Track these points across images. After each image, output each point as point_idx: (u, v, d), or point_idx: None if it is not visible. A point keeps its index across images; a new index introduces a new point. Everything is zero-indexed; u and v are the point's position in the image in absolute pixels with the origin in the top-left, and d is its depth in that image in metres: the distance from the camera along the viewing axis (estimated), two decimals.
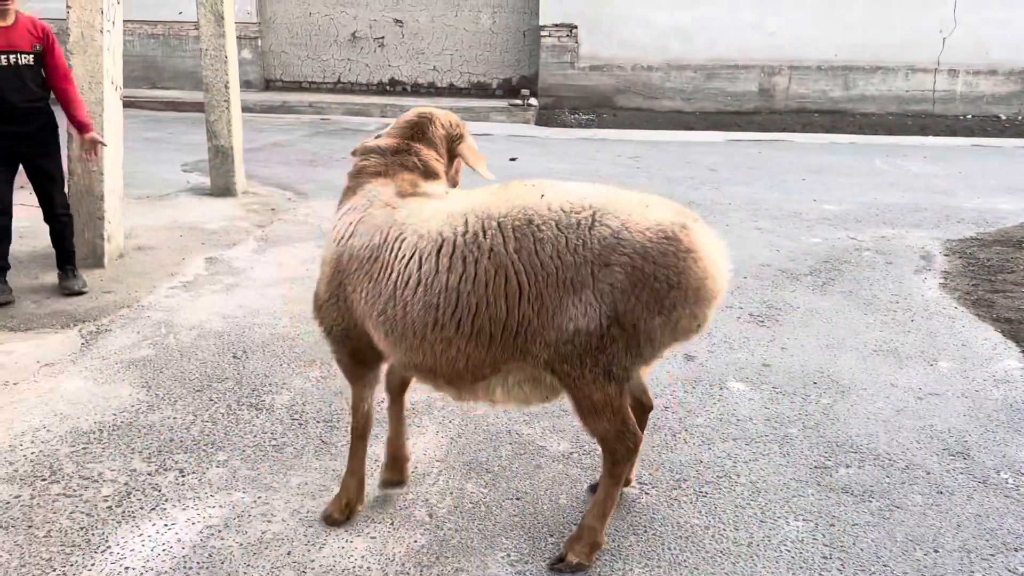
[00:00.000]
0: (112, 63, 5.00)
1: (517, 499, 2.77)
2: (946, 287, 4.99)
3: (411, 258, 2.31)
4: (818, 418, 3.35)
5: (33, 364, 3.68)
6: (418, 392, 3.30)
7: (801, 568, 2.44)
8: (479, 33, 14.96)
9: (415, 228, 2.35)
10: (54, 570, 2.36)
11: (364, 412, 2.63)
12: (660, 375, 3.72)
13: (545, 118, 13.60)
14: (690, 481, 2.89)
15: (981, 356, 3.97)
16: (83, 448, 3.00)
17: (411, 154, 2.62)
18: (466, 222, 2.29)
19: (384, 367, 2.67)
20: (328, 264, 2.54)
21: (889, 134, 12.12)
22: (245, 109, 12.87)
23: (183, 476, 2.86)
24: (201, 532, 2.55)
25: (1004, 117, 12.99)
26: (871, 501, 2.78)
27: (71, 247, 4.68)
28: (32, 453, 2.96)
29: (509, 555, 2.47)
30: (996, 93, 13.14)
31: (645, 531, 2.60)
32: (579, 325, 2.18)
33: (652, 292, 2.15)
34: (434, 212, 2.38)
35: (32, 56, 4.35)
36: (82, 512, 2.63)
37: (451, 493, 2.79)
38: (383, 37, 15.13)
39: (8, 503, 2.66)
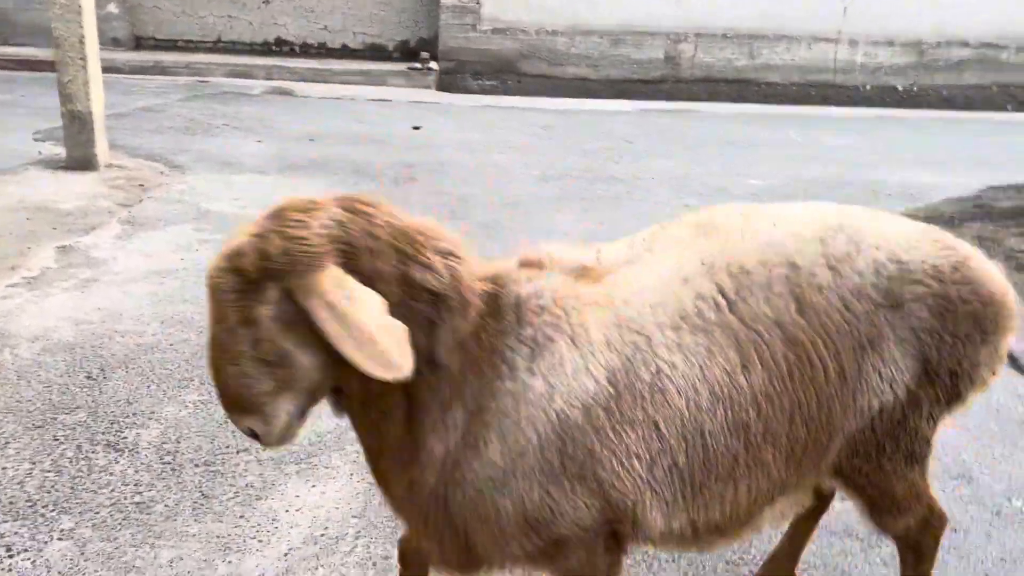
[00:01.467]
0: None
1: None
2: None
3: (686, 362, 1.56)
4: None
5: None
6: None
7: None
8: None
9: (654, 315, 1.57)
10: None
11: None
12: None
13: (447, 84, 12.85)
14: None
15: None
16: None
17: (450, 279, 1.54)
18: (716, 282, 1.59)
19: None
20: (538, 447, 1.52)
21: (794, 103, 12.06)
22: (113, 70, 11.58)
23: (11, 557, 2.14)
24: None
25: (901, 88, 13.14)
26: (860, 540, 2.35)
27: None
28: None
29: None
30: (894, 64, 13.26)
31: None
32: (884, 400, 1.63)
33: (968, 317, 1.65)
34: (653, 281, 1.62)
35: None
36: None
37: None
38: None
39: None
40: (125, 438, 2.69)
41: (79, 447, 2.63)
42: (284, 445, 1.53)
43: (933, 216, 5.78)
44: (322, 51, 14.18)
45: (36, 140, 6.90)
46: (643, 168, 7.19)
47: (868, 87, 13.15)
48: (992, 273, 1.72)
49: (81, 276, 4.06)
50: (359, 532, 2.31)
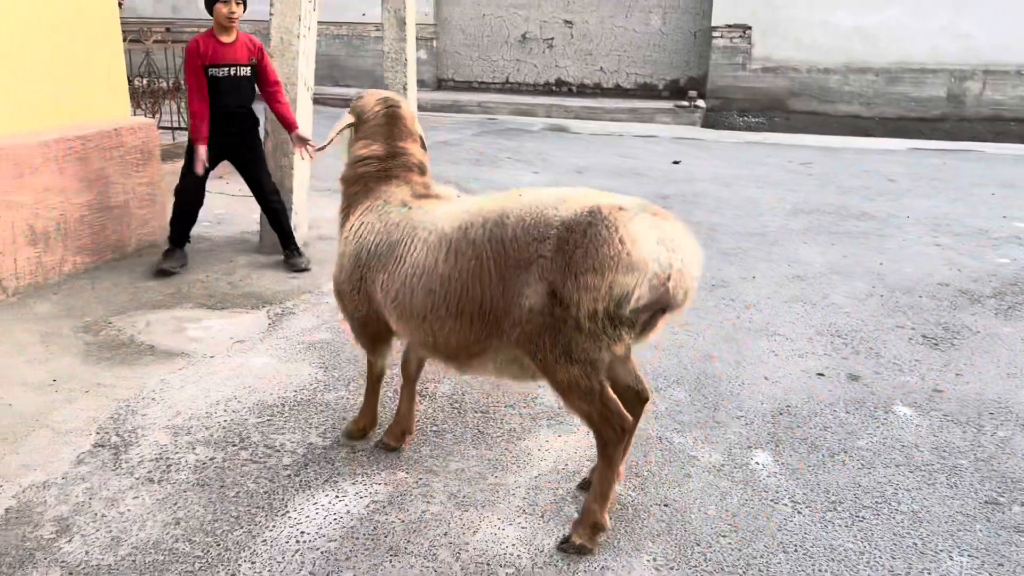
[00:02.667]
0: (305, 66, 5.42)
1: (665, 506, 2.80)
2: None
3: (420, 251, 2.63)
4: (992, 451, 3.16)
5: (227, 340, 4.08)
6: None
7: None
8: (648, 34, 14.87)
9: (426, 226, 2.66)
10: (241, 527, 2.63)
11: (380, 369, 3.11)
12: (821, 393, 3.63)
13: (712, 120, 13.34)
14: (847, 504, 2.81)
15: None
16: (268, 420, 3.31)
17: (405, 155, 2.95)
18: (463, 221, 2.55)
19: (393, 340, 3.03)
20: (348, 259, 2.88)
21: None
22: (418, 108, 13.50)
23: (354, 453, 3.09)
24: (368, 506, 2.76)
25: None
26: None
27: (288, 228, 5.21)
28: (225, 421, 3.29)
29: (655, 559, 2.52)
30: None
31: (796, 550, 2.57)
32: (532, 302, 2.37)
33: (567, 257, 2.30)
34: (444, 213, 2.67)
35: (248, 68, 4.93)
36: (265, 478, 2.91)
37: None
38: (552, 38, 15.33)
39: (205, 463, 2.99)
40: (427, 388, 3.61)
41: (395, 391, 3.58)
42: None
43: None
44: (597, 91, 15.28)
45: None
46: (900, 207, 7.23)
47: None
48: (616, 242, 2.25)
49: None
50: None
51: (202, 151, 4.82)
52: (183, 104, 7.82)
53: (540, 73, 15.57)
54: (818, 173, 8.84)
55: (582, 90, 15.41)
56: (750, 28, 13.44)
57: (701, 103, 13.65)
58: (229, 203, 6.45)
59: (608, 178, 8.35)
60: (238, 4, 4.81)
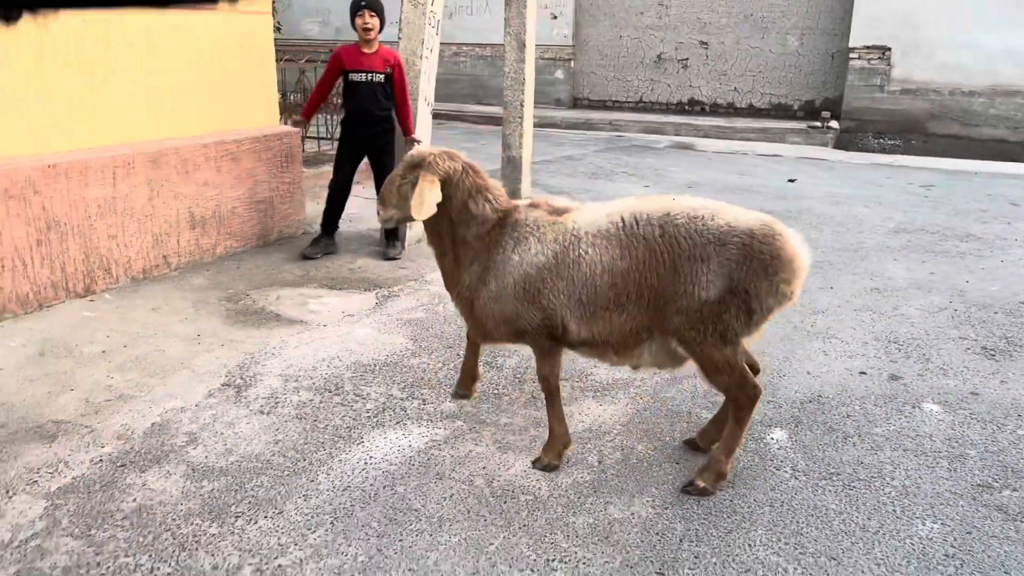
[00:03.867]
0: (426, 83, 6.14)
1: (676, 463, 3.22)
2: None
3: (592, 252, 2.94)
4: (1004, 446, 3.35)
5: (339, 314, 4.80)
6: (618, 372, 3.87)
7: (917, 559, 2.62)
8: (785, 55, 14.87)
9: (586, 230, 2.97)
10: (324, 450, 3.27)
11: (556, 377, 3.18)
12: (856, 388, 3.89)
13: (845, 142, 13.20)
14: (843, 476, 3.12)
15: None
16: (360, 375, 3.96)
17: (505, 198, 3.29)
18: (623, 219, 2.93)
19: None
20: (511, 288, 3.04)
21: None
22: (551, 125, 14.18)
23: (424, 404, 3.69)
24: (427, 443, 3.34)
25: None
26: (1022, 522, 2.82)
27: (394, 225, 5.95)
28: (325, 373, 3.98)
29: (653, 500, 2.95)
30: None
31: (781, 506, 2.92)
32: (708, 294, 2.79)
33: (759, 262, 2.76)
34: (594, 218, 2.99)
35: (384, 76, 5.75)
36: (350, 417, 3.55)
37: (622, 449, 3.32)
38: (687, 59, 15.62)
39: (304, 403, 3.67)
40: (497, 361, 4.16)
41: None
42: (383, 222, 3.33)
43: None
44: (729, 110, 15.42)
45: None
46: (1012, 230, 7.12)
47: None
48: (788, 248, 2.80)
49: None
50: (619, 432, 3.45)
51: (297, 120, 6.13)
52: (326, 117, 8.84)
53: (673, 92, 15.87)
54: (936, 196, 8.74)
55: (715, 109, 15.59)
56: (889, 49, 13.23)
57: (834, 124, 13.53)
58: (361, 204, 7.28)
59: (717, 193, 8.64)
60: (372, 17, 5.66)
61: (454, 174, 3.10)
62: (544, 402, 3.24)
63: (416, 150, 3.24)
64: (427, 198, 3.01)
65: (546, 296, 3.00)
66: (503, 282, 3.05)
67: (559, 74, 16.31)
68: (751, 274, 2.76)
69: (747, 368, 2.96)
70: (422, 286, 5.34)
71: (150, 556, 2.57)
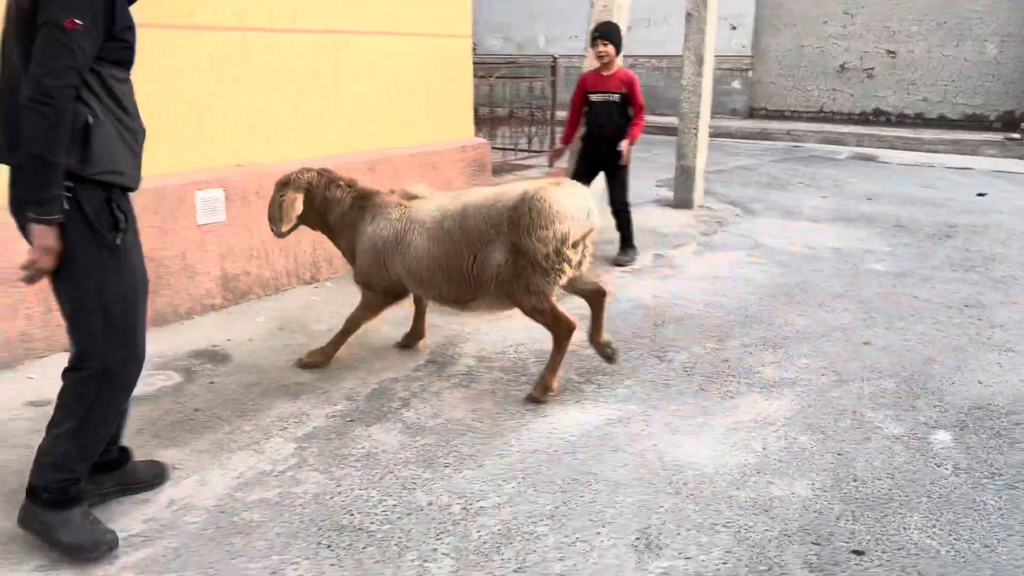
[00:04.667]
0: None
1: (838, 454, 3.45)
2: None
3: (421, 237, 3.93)
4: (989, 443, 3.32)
5: None
6: (785, 371, 4.12)
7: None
8: (981, 63, 14.14)
9: (420, 219, 3.96)
10: (515, 420, 3.75)
11: (368, 320, 4.31)
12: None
13: None
14: (1006, 477, 3.24)
15: None
16: (543, 360, 4.42)
17: (360, 187, 4.27)
18: (440, 214, 3.93)
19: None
20: (370, 251, 4.07)
21: None
22: (727, 135, 14.24)
23: (600, 389, 4.11)
24: (603, 421, 3.75)
25: None
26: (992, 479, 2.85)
27: (628, 232, 6.45)
28: (513, 356, 4.48)
29: (813, 484, 3.21)
30: None
31: (939, 499, 3.10)
32: (500, 260, 3.75)
33: (524, 224, 3.66)
34: (427, 210, 3.98)
35: (619, 96, 6.24)
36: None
37: (785, 439, 3.58)
38: (872, 68, 15.16)
39: (496, 380, 4.18)
40: (667, 355, 4.52)
41: (641, 355, 4.52)
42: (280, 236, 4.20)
43: None
44: (917, 121, 14.81)
45: (657, 186, 9.51)
46: None
47: None
48: (544, 198, 3.66)
49: (663, 272, 6.14)
50: (783, 425, 3.71)
51: (559, 149, 6.64)
52: (514, 130, 9.47)
53: (856, 102, 15.44)
54: None
55: (901, 120, 15.03)
56: None
57: None
58: None
59: (898, 206, 8.50)
60: (605, 45, 6.18)
61: (312, 179, 4.15)
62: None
63: (291, 173, 4.21)
64: (288, 210, 4.06)
65: (387, 264, 4.05)
66: (363, 248, 4.11)
67: (736, 84, 16.28)
68: (520, 234, 3.66)
69: (559, 309, 3.85)
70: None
71: (378, 491, 3.14)
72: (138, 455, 3.21)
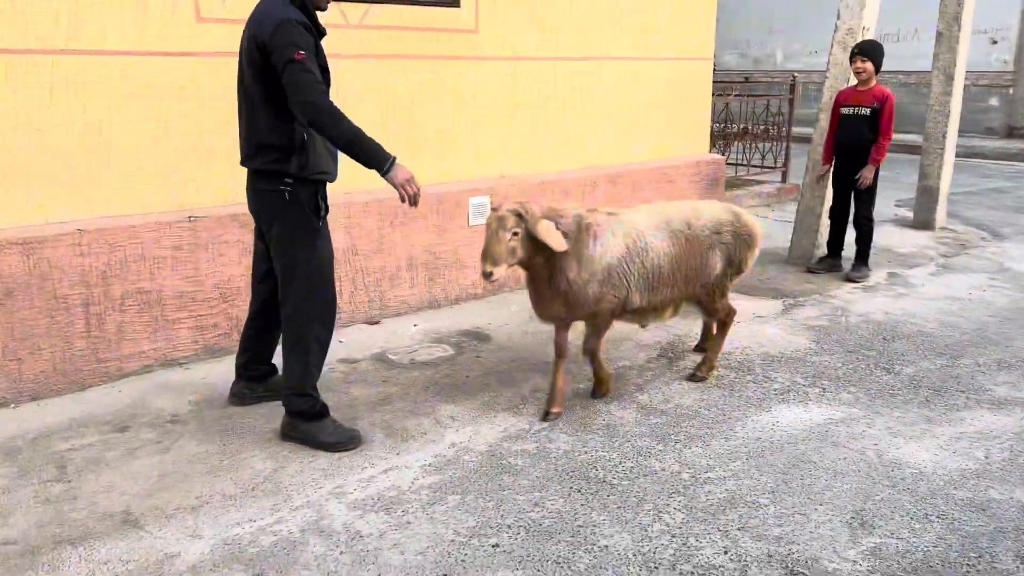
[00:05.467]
0: None
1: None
2: None
3: (658, 244, 4.10)
4: None
5: (750, 314, 5.65)
6: (1017, 391, 4.17)
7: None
8: None
9: (644, 227, 4.09)
10: (740, 411, 4.15)
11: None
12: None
13: None
14: None
15: None
16: (768, 363, 4.78)
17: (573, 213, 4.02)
18: (660, 220, 4.19)
19: None
20: (599, 274, 3.89)
21: None
22: (978, 155, 13.46)
23: (824, 392, 4.39)
24: (825, 419, 4.04)
25: None
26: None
27: (865, 248, 6.57)
28: (740, 358, 4.85)
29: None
30: None
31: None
32: (716, 271, 4.32)
33: (743, 240, 4.35)
34: (642, 221, 4.13)
35: (869, 111, 6.37)
36: (760, 392, 4.39)
37: (1010, 451, 3.69)
38: None
39: (720, 377, 4.59)
40: (894, 368, 4.68)
41: (868, 366, 4.72)
42: (493, 281, 3.73)
43: None
44: None
45: (896, 205, 9.32)
46: None
47: None
48: (754, 222, 4.45)
49: (898, 291, 6.19)
50: (1010, 438, 3.81)
51: (820, 168, 6.76)
52: (750, 145, 9.71)
53: None
54: None
55: None
56: None
57: None
58: (771, 226, 8.03)
59: None
60: (863, 61, 6.33)
61: (535, 211, 3.76)
62: None
63: (500, 211, 3.73)
64: (555, 233, 3.67)
65: (622, 278, 4.00)
66: (592, 271, 3.88)
67: (993, 102, 15.24)
68: (742, 251, 4.37)
69: (731, 305, 4.55)
70: (826, 299, 5.96)
71: (618, 454, 3.69)
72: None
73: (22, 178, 4.01)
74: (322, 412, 3.71)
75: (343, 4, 4.85)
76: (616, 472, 3.52)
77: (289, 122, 3.39)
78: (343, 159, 3.49)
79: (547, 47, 6.01)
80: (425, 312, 5.59)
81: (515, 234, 3.60)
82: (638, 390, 4.41)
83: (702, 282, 4.28)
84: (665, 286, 4.16)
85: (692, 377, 4.51)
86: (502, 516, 3.17)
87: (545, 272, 3.84)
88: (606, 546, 2.97)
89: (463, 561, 2.89)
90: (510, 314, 5.60)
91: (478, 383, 4.45)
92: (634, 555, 2.93)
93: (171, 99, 4.37)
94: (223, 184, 4.56)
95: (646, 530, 3.08)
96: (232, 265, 4.59)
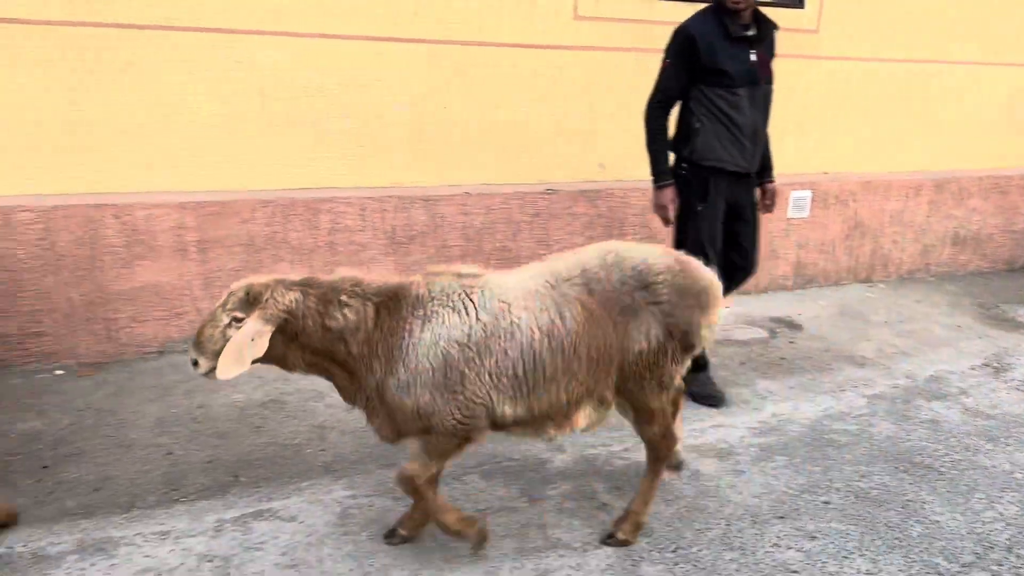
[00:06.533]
0: None
1: None
2: None
3: (531, 318, 2.58)
4: None
5: None
6: None
7: None
8: None
9: (515, 296, 2.60)
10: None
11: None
12: None
13: None
14: None
15: None
16: None
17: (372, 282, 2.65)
18: (552, 280, 2.67)
19: None
20: (424, 375, 2.50)
21: None
22: None
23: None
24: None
25: None
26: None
27: None
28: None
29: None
30: None
31: None
32: (642, 346, 2.69)
33: (693, 299, 2.72)
34: (514, 283, 2.66)
35: None
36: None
37: None
38: None
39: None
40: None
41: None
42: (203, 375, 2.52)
43: None
44: None
45: None
46: None
47: None
48: (707, 273, 2.80)
49: None
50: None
51: None
52: None
53: None
54: None
55: None
56: None
57: None
58: None
59: None
60: None
61: (295, 306, 2.48)
62: None
63: (235, 285, 2.55)
64: (246, 351, 2.38)
65: (467, 381, 2.53)
66: (416, 368, 2.51)
67: None
68: (688, 315, 2.73)
69: (671, 418, 2.97)
70: None
71: (943, 447, 3.78)
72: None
73: (424, 144, 4.88)
74: (703, 366, 4.19)
75: None
76: (944, 461, 3.63)
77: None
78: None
79: (884, 49, 6.01)
80: (735, 296, 5.90)
81: (236, 320, 2.46)
82: (960, 393, 4.41)
83: (621, 363, 2.71)
84: (556, 381, 2.62)
85: (609, 539, 2.95)
86: (830, 480, 3.44)
87: (343, 375, 2.63)
88: (937, 521, 3.15)
89: (796, 510, 3.20)
90: (818, 308, 5.75)
91: (792, 365, 4.69)
92: (967, 532, 3.07)
93: (546, 86, 5.05)
94: (577, 164, 5.19)
95: (979, 515, 3.20)
96: (575, 235, 5.20)
